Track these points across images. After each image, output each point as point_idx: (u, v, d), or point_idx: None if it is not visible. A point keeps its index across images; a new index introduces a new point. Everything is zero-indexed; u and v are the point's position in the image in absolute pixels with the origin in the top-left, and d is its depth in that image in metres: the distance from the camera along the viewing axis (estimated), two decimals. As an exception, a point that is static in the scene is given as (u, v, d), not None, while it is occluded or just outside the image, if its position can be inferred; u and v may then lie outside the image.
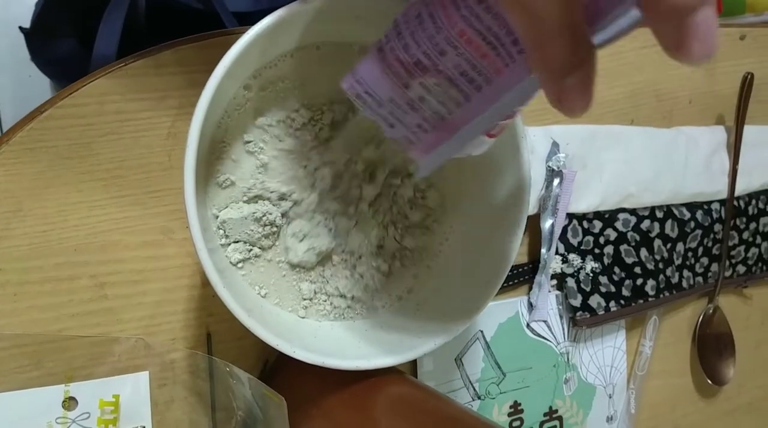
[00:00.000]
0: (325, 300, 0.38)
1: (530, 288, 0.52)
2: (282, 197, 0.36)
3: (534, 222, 0.52)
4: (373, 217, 0.39)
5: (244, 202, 0.35)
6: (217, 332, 0.42)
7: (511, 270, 0.49)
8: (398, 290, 0.41)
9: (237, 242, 0.35)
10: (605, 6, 0.23)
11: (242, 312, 0.31)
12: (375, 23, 0.34)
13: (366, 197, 0.37)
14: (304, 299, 0.37)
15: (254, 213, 0.35)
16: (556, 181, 0.50)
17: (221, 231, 0.35)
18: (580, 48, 0.23)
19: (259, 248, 0.36)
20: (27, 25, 0.60)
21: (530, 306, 0.52)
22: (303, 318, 0.37)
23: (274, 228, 0.36)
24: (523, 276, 0.51)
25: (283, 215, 0.36)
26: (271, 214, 0.35)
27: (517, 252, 0.38)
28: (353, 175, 0.37)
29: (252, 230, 0.35)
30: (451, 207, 0.41)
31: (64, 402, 0.38)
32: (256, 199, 0.36)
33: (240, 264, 0.36)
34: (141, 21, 0.55)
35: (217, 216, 0.35)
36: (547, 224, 0.51)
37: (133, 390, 0.40)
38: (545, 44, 0.22)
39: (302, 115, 0.36)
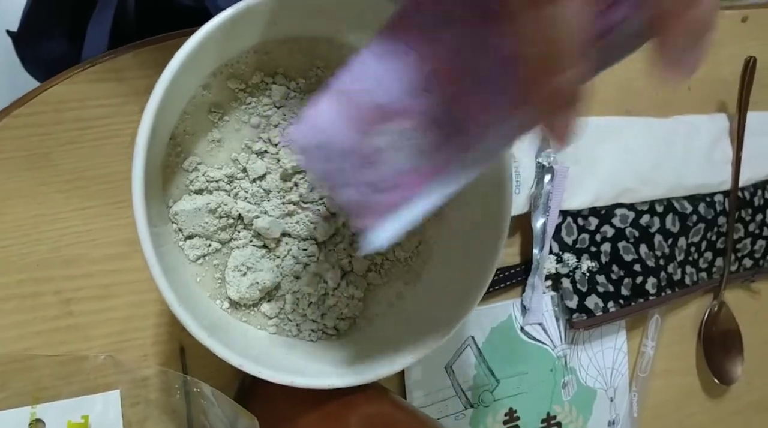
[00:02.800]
0: (291, 322, 0.36)
1: (523, 290, 0.50)
2: (231, 180, 0.34)
3: (526, 221, 0.49)
4: (328, 258, 0.36)
5: (195, 192, 0.33)
6: (191, 346, 0.40)
7: (502, 272, 0.48)
8: (378, 306, 0.38)
9: (192, 237, 0.33)
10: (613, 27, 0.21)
11: (200, 330, 0.29)
12: (339, 16, 0.32)
13: (319, 236, 0.35)
14: (270, 318, 0.35)
15: (208, 204, 0.33)
16: (547, 178, 0.47)
17: (175, 226, 0.33)
18: (585, 79, 0.22)
19: (218, 242, 0.34)
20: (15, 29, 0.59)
21: (523, 309, 0.50)
22: (273, 334, 0.35)
23: (231, 220, 0.34)
24: (515, 277, 0.49)
25: (240, 217, 0.34)
26: (226, 204, 0.33)
27: (502, 253, 0.36)
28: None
29: (207, 222, 0.33)
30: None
31: (30, 425, 0.37)
32: (206, 189, 0.33)
33: (200, 261, 0.34)
34: (130, 20, 0.53)
35: (171, 207, 0.33)
36: (538, 223, 0.49)
37: (104, 409, 0.38)
38: (554, 76, 0.21)
39: (264, 112, 0.34)
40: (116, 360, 0.39)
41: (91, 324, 0.38)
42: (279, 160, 0.34)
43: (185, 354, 0.40)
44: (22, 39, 0.60)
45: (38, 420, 0.37)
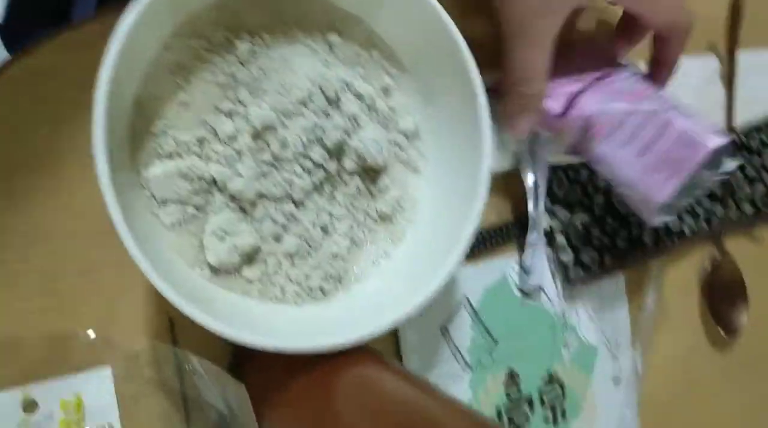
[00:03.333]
0: (274, 286, 0.35)
1: (522, 249, 0.49)
2: (201, 143, 0.33)
3: (516, 177, 0.48)
4: (307, 217, 0.36)
5: (165, 157, 0.33)
6: (180, 318, 0.39)
7: (494, 230, 0.47)
8: (364, 265, 0.38)
9: (166, 203, 0.33)
10: None
11: (178, 297, 0.29)
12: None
13: (302, 189, 0.35)
14: (252, 282, 0.35)
15: (179, 168, 0.32)
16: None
17: (147, 192, 0.33)
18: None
19: (193, 207, 0.33)
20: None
21: (522, 271, 0.49)
22: (257, 299, 0.35)
23: (204, 184, 0.33)
24: (508, 235, 0.48)
25: (214, 182, 0.34)
26: (198, 168, 0.33)
27: (482, 207, 0.35)
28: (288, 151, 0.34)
29: (179, 187, 0.32)
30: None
31: (23, 405, 0.37)
32: (176, 153, 0.33)
33: (176, 228, 0.33)
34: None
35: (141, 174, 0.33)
36: (529, 179, 0.48)
37: (97, 387, 0.38)
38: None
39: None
40: (106, 337, 0.38)
41: (78, 302, 0.38)
42: (248, 119, 0.33)
43: (175, 327, 0.40)
44: (8, 31, 0.59)
45: (31, 401, 0.37)
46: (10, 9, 0.59)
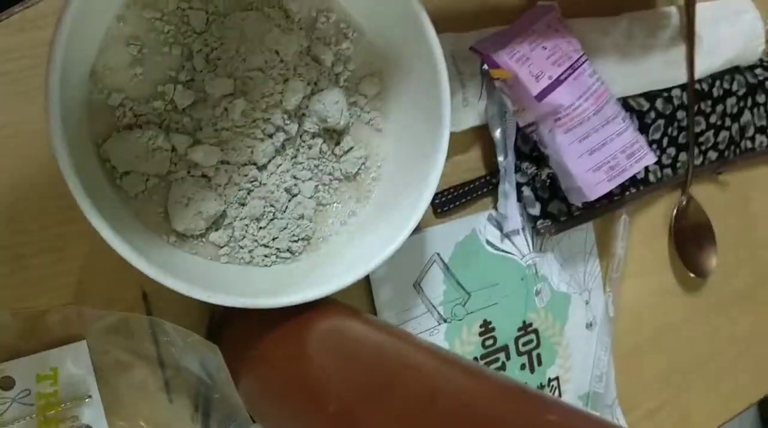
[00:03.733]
0: (242, 249, 0.36)
1: (494, 202, 0.50)
2: (159, 113, 0.33)
3: (484, 133, 0.49)
4: (271, 180, 0.36)
5: (124, 128, 0.33)
6: (154, 290, 0.40)
7: (465, 186, 0.48)
8: (331, 225, 0.38)
9: (129, 173, 0.33)
10: None
11: (141, 260, 0.29)
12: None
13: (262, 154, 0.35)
14: (220, 247, 0.35)
15: (138, 138, 0.32)
16: (497, 83, 0.47)
17: (108, 164, 0.33)
18: None
19: (155, 176, 0.33)
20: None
21: (495, 221, 0.50)
22: (226, 263, 0.35)
23: (165, 153, 0.33)
24: (479, 189, 0.49)
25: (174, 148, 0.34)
26: (158, 136, 0.33)
27: (443, 161, 0.35)
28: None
29: (140, 157, 0.32)
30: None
31: None
32: (135, 124, 0.33)
33: (140, 198, 0.33)
34: None
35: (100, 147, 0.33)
36: (497, 132, 0.48)
37: (73, 360, 0.38)
38: None
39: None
40: (79, 310, 0.38)
41: (48, 277, 0.38)
42: (206, 88, 0.33)
43: (148, 298, 0.40)
44: None
45: (7, 377, 0.37)
46: None
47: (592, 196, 0.47)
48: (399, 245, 0.34)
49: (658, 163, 0.56)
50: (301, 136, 0.36)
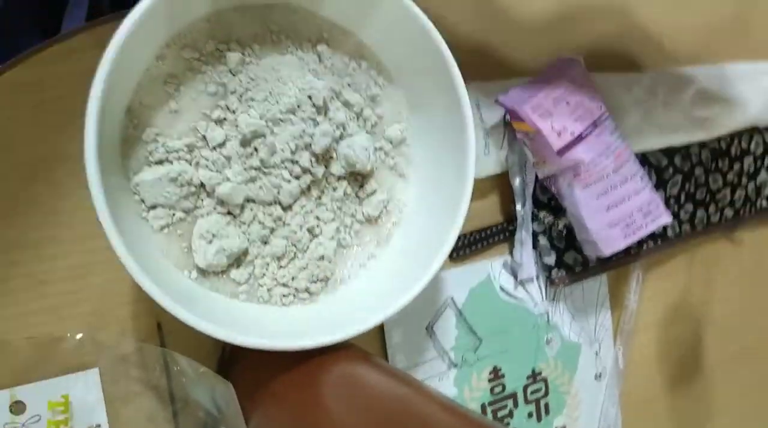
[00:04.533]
0: (261, 287, 0.36)
1: (511, 248, 0.50)
2: (191, 149, 0.34)
3: (503, 181, 0.49)
4: (295, 221, 0.36)
5: (155, 163, 0.33)
6: (169, 321, 0.40)
7: (482, 232, 0.48)
8: (350, 267, 0.38)
9: (155, 207, 0.33)
10: None
11: (164, 297, 0.29)
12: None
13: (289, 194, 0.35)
14: (240, 284, 0.35)
15: (168, 173, 0.33)
16: (519, 135, 0.47)
17: (137, 197, 0.33)
18: None
19: (181, 211, 0.34)
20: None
21: (510, 268, 0.50)
22: (245, 301, 0.35)
23: (193, 188, 0.34)
24: (496, 236, 0.49)
25: (203, 185, 0.34)
26: (187, 172, 0.33)
27: (466, 209, 0.36)
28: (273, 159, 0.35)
29: (169, 191, 0.33)
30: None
31: (11, 406, 0.37)
32: (167, 159, 0.33)
33: (165, 231, 0.34)
34: (105, 12, 0.53)
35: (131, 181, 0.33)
36: (516, 180, 0.49)
37: (84, 388, 0.38)
38: None
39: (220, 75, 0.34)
40: (94, 339, 0.39)
41: (66, 304, 0.38)
42: (238, 127, 0.34)
43: (162, 329, 0.40)
44: None
45: (18, 402, 0.37)
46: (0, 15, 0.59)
47: (607, 251, 0.47)
48: (417, 292, 0.35)
49: (676, 218, 0.56)
50: (326, 179, 0.37)
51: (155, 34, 0.32)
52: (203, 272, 0.35)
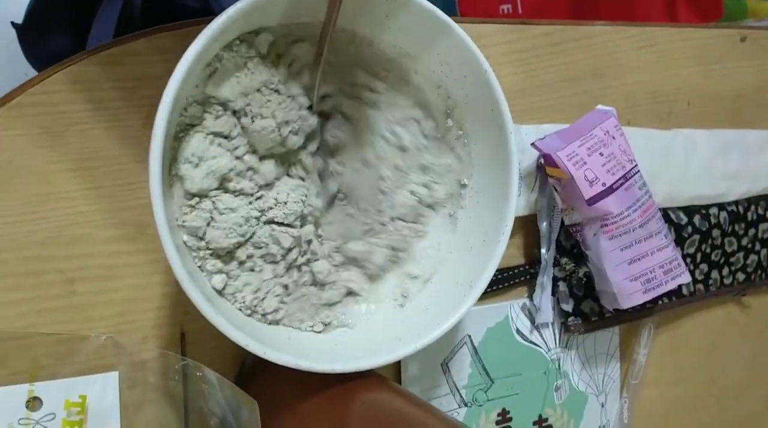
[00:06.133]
0: (300, 320, 0.36)
1: (532, 290, 0.50)
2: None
3: (529, 223, 0.50)
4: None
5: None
6: (191, 331, 0.40)
7: (504, 272, 0.49)
8: (384, 300, 0.39)
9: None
10: None
11: (210, 308, 0.29)
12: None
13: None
14: (282, 302, 0.36)
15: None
16: (551, 180, 0.48)
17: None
18: None
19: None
20: (20, 21, 0.59)
21: (528, 311, 0.50)
22: (283, 326, 0.36)
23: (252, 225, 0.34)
24: (517, 278, 0.49)
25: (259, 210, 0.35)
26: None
27: (504, 250, 0.36)
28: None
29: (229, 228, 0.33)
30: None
31: (27, 402, 0.37)
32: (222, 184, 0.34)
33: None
34: (136, 19, 0.54)
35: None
36: (543, 225, 0.49)
37: (102, 391, 0.38)
38: None
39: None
40: (116, 342, 0.39)
41: (93, 305, 0.38)
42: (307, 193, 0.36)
43: (185, 339, 0.40)
44: (26, 32, 0.60)
45: (36, 398, 0.37)
46: (32, 13, 0.60)
47: (625, 304, 0.48)
48: (448, 328, 0.35)
49: (691, 277, 0.56)
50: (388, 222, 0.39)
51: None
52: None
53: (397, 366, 0.45)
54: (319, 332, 0.36)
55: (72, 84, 0.37)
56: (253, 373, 0.40)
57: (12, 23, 0.60)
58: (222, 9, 0.52)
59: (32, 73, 0.63)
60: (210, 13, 0.52)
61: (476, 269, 0.37)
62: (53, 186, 0.37)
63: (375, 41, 0.37)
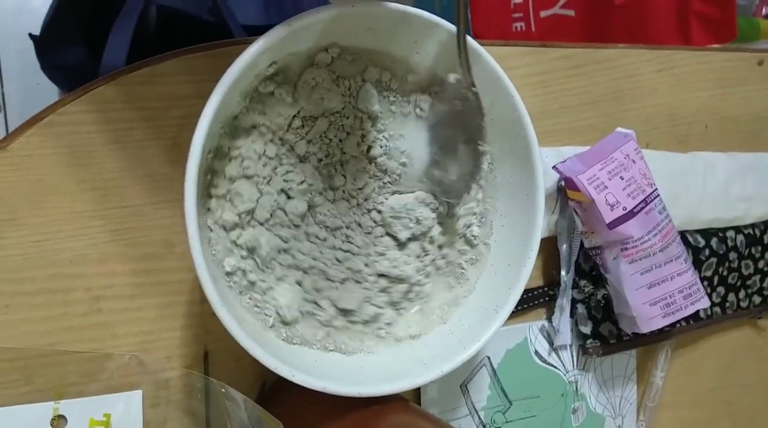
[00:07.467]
0: (332, 344, 0.37)
1: (551, 312, 0.50)
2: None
3: (548, 245, 0.50)
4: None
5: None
6: (214, 351, 0.41)
7: (523, 294, 0.48)
8: (409, 329, 0.39)
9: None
10: None
11: (240, 331, 0.29)
12: (386, 35, 0.34)
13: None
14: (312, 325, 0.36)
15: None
16: (571, 203, 0.48)
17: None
18: None
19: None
20: (37, 33, 0.60)
21: (547, 333, 0.50)
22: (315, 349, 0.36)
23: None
24: (535, 300, 0.49)
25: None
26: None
27: (530, 274, 0.36)
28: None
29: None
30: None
31: (52, 420, 0.37)
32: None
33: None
34: (151, 32, 0.54)
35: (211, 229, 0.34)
36: (563, 247, 0.49)
37: (126, 409, 0.38)
38: None
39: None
40: (141, 360, 0.39)
41: (119, 323, 0.38)
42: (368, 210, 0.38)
43: (208, 358, 0.40)
44: (43, 43, 0.61)
45: (60, 416, 0.37)
46: (49, 26, 0.60)
47: (645, 329, 0.48)
48: (474, 352, 0.35)
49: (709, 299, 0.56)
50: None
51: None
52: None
53: (417, 388, 0.45)
54: (344, 354, 0.36)
55: (102, 104, 0.38)
56: (274, 394, 0.41)
57: (30, 35, 0.60)
58: (235, 23, 0.53)
59: (44, 82, 0.64)
60: (224, 26, 0.53)
61: (501, 293, 0.37)
62: (82, 204, 0.38)
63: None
